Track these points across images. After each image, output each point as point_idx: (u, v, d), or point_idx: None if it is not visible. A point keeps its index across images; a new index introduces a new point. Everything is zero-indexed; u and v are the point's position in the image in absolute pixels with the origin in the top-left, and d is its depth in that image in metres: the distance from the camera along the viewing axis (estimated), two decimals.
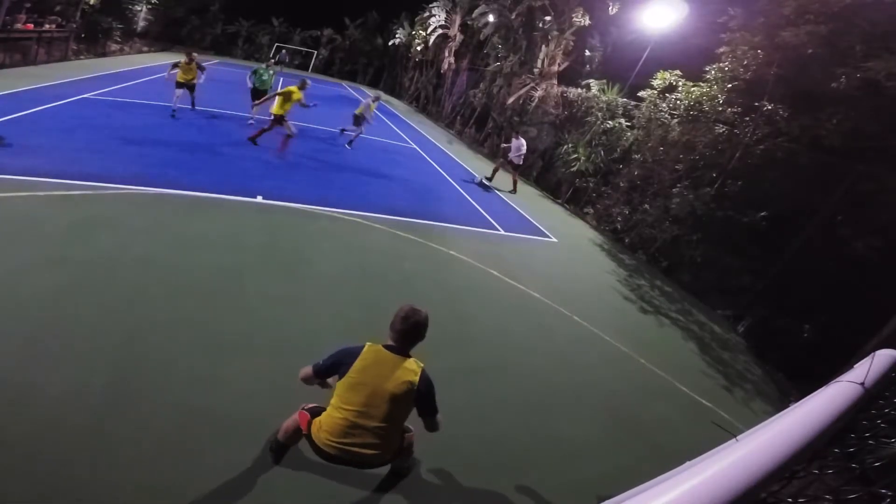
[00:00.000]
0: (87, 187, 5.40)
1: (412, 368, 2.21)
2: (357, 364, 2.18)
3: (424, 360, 2.31)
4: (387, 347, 2.25)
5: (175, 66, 9.45)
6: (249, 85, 10.44)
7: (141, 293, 3.83)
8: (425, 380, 2.22)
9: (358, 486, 2.69)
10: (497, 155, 13.76)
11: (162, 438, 2.64)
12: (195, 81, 9.75)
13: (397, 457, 2.43)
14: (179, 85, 9.53)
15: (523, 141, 11.76)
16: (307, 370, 2.36)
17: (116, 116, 8.60)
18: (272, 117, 8.67)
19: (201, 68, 9.80)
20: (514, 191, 11.48)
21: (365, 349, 2.23)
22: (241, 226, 5.58)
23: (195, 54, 9.74)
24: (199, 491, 2.43)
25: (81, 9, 14.72)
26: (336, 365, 2.24)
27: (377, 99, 11.61)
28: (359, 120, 11.12)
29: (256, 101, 10.30)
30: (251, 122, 10.44)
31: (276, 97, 8.58)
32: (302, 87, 8.79)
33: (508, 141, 12.13)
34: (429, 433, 2.34)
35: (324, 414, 2.26)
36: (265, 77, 10.38)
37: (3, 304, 3.31)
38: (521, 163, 11.79)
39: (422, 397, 2.21)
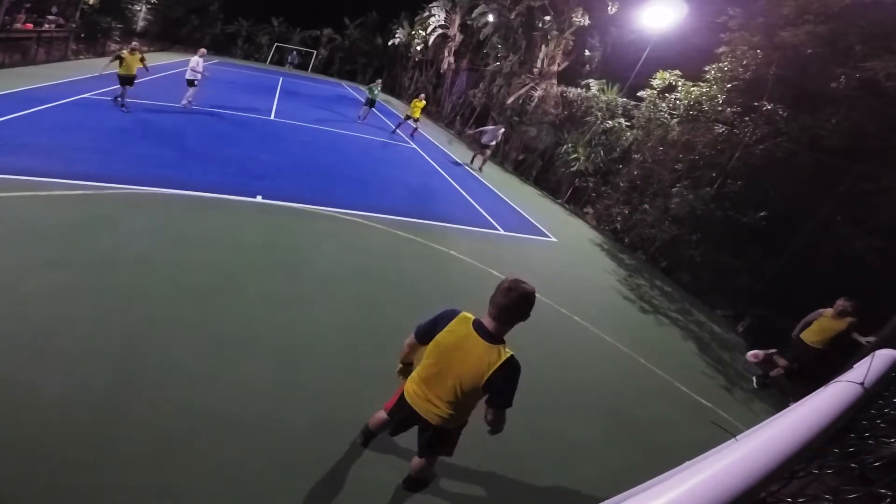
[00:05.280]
0: (87, 187, 5.39)
1: (494, 358, 1.97)
2: (441, 336, 2.06)
3: None
4: (478, 326, 2.02)
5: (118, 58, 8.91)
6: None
7: (141, 293, 3.83)
8: (505, 369, 1.98)
9: (361, 487, 2.69)
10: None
11: (162, 438, 2.64)
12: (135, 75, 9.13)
13: (460, 426, 2.35)
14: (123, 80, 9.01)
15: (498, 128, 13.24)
16: (410, 338, 2.23)
17: (116, 116, 8.60)
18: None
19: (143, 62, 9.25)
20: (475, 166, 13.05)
21: (456, 320, 2.06)
22: (241, 226, 5.57)
23: (136, 43, 9.64)
24: (199, 491, 2.43)
25: (81, 8, 14.71)
26: (433, 328, 2.11)
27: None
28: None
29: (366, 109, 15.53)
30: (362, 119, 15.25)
31: None
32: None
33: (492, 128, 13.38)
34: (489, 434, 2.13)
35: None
36: (376, 91, 15.17)
37: (4, 304, 3.31)
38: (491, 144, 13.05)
39: (492, 386, 2.00)
